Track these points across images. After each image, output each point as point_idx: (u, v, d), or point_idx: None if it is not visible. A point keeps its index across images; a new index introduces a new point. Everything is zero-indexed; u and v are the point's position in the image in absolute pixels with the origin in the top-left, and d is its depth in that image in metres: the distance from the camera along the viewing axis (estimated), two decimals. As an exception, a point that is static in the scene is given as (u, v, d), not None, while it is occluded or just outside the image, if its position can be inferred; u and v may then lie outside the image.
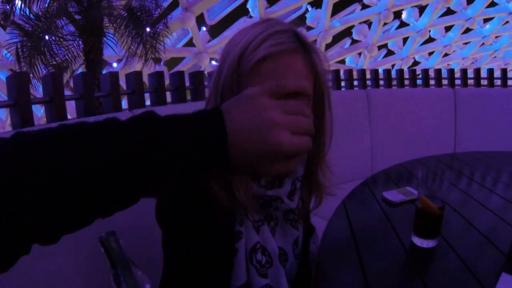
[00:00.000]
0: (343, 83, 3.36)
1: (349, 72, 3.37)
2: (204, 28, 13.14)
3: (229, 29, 13.11)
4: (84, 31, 5.65)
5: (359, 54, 14.94)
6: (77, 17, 5.86)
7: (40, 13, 5.48)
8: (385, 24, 13.54)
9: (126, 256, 0.62)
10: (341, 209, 1.17)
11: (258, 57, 0.70)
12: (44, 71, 5.36)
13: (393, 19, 13.34)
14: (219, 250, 0.76)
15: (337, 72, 3.32)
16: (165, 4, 10.88)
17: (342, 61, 15.55)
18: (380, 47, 15.00)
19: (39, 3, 5.41)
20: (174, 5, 10.65)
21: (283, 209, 0.84)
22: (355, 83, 3.43)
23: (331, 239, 0.98)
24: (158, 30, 6.01)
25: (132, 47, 5.83)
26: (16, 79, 1.83)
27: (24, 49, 5.31)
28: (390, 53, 16.14)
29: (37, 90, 5.96)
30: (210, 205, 0.74)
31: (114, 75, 2.30)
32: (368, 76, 3.47)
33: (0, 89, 11.42)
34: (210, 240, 0.75)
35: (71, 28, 6.04)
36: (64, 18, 5.78)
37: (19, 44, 5.33)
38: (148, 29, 5.96)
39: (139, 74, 2.39)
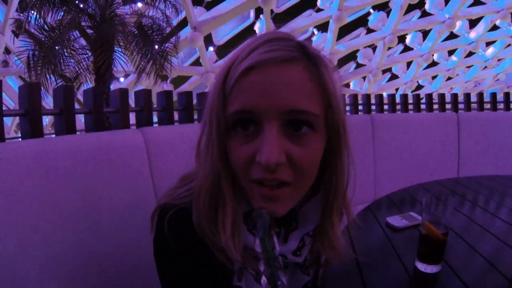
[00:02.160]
0: (348, 107, 3.40)
1: (354, 96, 3.41)
2: (211, 48, 13.36)
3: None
4: (96, 45, 5.79)
5: (364, 78, 15.11)
6: (89, 31, 6.00)
7: (53, 24, 5.63)
8: (389, 48, 13.72)
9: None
10: (344, 234, 1.18)
11: (242, 68, 0.56)
12: (53, 81, 5.47)
13: (397, 43, 13.51)
14: None
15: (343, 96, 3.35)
16: (175, 23, 11.11)
17: (347, 85, 15.70)
18: (384, 71, 15.17)
19: (53, 15, 5.57)
20: (183, 24, 10.86)
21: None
22: (360, 107, 3.47)
23: (334, 264, 0.99)
24: (167, 48, 6.14)
25: (141, 64, 5.95)
26: (29, 89, 1.88)
27: (35, 59, 5.44)
28: (394, 77, 16.32)
29: (45, 99, 6.08)
30: (206, 256, 0.64)
31: (124, 92, 2.35)
32: (373, 100, 3.51)
33: (11, 96, 11.59)
34: None
35: (83, 42, 6.19)
36: (76, 31, 5.93)
37: (30, 52, 5.46)
38: (156, 47, 6.09)
39: (148, 92, 2.44)
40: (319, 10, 13.01)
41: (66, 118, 2.00)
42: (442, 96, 3.72)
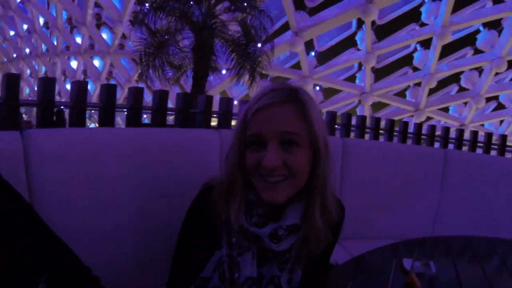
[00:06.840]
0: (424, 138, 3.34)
1: (432, 128, 3.33)
2: (313, 53, 13.54)
3: (336, 58, 13.28)
4: (195, 49, 6.61)
5: (465, 103, 13.71)
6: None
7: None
8: (497, 73, 12.28)
9: None
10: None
11: (254, 109, 0.91)
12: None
13: (507, 69, 11.75)
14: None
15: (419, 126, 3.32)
16: (277, 27, 11.55)
17: (446, 109, 14.43)
18: (489, 99, 13.63)
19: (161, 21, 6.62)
20: (285, 28, 11.22)
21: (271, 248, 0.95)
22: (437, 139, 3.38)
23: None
24: (258, 57, 6.67)
25: (239, 61, 6.65)
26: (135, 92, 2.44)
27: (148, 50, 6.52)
28: (500, 106, 14.63)
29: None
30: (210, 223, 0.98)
31: (209, 98, 2.91)
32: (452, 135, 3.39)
33: (123, 74, 13.96)
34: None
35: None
36: (182, 32, 6.79)
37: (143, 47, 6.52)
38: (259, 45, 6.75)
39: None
40: (423, 24, 12.40)
41: (160, 115, 2.63)
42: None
